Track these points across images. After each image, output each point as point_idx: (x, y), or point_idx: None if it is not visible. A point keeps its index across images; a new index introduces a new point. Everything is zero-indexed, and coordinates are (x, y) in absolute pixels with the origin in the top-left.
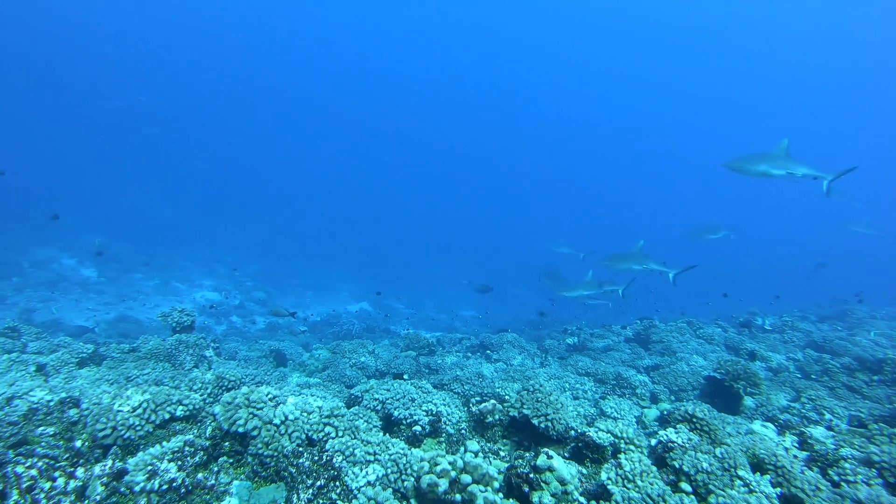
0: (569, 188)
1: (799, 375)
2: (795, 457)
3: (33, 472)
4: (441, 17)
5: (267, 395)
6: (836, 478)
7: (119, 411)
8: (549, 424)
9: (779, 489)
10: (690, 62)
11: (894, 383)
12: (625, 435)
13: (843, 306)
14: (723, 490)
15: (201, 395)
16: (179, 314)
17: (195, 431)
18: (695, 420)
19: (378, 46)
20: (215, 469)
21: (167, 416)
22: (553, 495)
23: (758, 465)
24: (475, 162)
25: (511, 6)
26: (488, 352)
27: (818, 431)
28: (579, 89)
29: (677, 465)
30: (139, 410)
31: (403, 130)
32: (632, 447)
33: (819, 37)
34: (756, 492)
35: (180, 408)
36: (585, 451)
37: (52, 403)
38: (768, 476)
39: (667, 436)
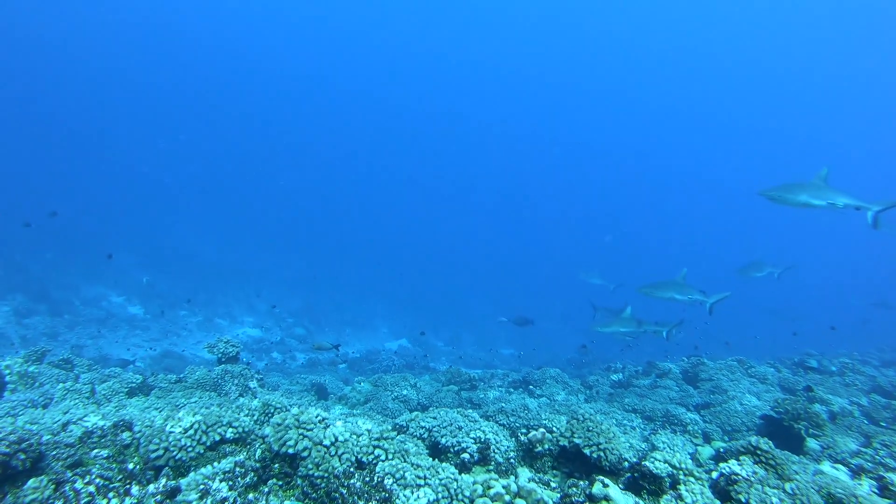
0: (605, 217)
1: (866, 421)
2: None
3: (91, 488)
4: (463, 48)
5: (316, 417)
6: None
7: (171, 432)
8: (602, 455)
9: None
10: (718, 92)
11: None
12: (683, 466)
13: None
14: None
15: (250, 419)
16: (225, 345)
17: (245, 453)
18: (759, 452)
19: (411, 85)
20: (265, 490)
21: (217, 437)
22: None
23: None
24: (513, 193)
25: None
26: (531, 387)
27: None
28: (606, 119)
29: (743, 500)
30: (191, 431)
31: (443, 166)
32: (691, 479)
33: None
34: None
35: (230, 430)
36: (642, 482)
37: (105, 427)
38: None
39: (729, 468)
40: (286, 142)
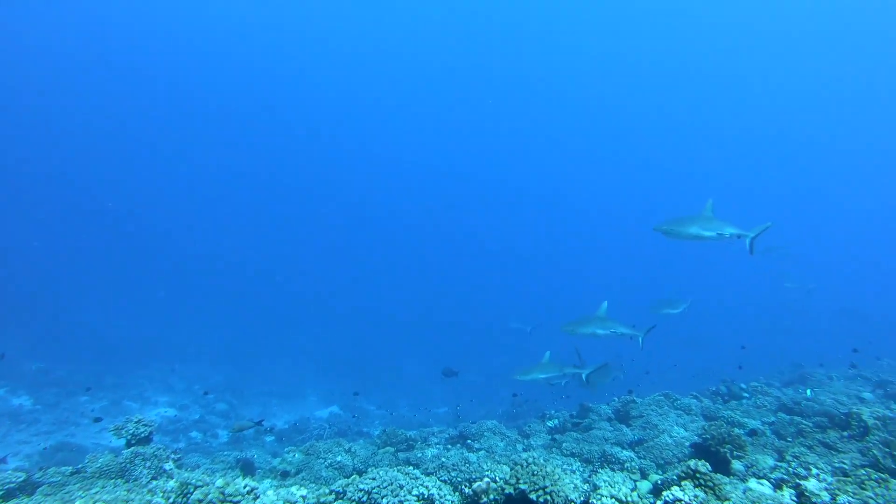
0: (536, 266)
1: (776, 438)
2: None
3: None
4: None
5: (245, 488)
6: None
7: None
8: (549, 498)
9: None
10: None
11: (862, 437)
12: (629, 499)
13: (801, 370)
14: None
15: (166, 501)
16: (135, 425)
17: None
18: (698, 475)
19: (352, 131)
20: None
21: None
22: None
23: None
24: (439, 248)
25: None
26: (469, 441)
27: (812, 484)
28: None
29: None
30: None
31: (364, 222)
32: None
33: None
34: None
35: None
36: None
37: None
38: None
39: (672, 495)
40: (192, 200)
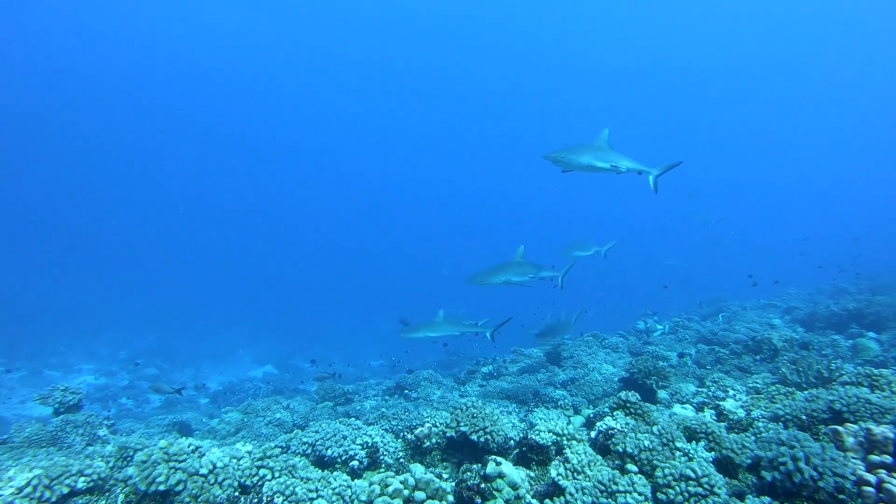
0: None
1: (697, 368)
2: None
3: None
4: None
5: (189, 447)
6: (754, 437)
7: None
8: (489, 437)
9: (713, 453)
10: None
11: (773, 358)
12: (565, 432)
13: (719, 304)
14: (666, 462)
15: (106, 464)
16: (62, 393)
17: (103, 502)
18: (629, 405)
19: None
20: None
21: (66, 490)
22: (507, 502)
23: (691, 436)
24: (360, 206)
25: None
26: (406, 391)
27: (729, 404)
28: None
29: (621, 449)
30: (28, 489)
31: (290, 186)
32: (574, 441)
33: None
34: (695, 458)
35: (82, 479)
36: (530, 455)
37: None
38: (702, 443)
39: (605, 424)
40: (118, 165)
